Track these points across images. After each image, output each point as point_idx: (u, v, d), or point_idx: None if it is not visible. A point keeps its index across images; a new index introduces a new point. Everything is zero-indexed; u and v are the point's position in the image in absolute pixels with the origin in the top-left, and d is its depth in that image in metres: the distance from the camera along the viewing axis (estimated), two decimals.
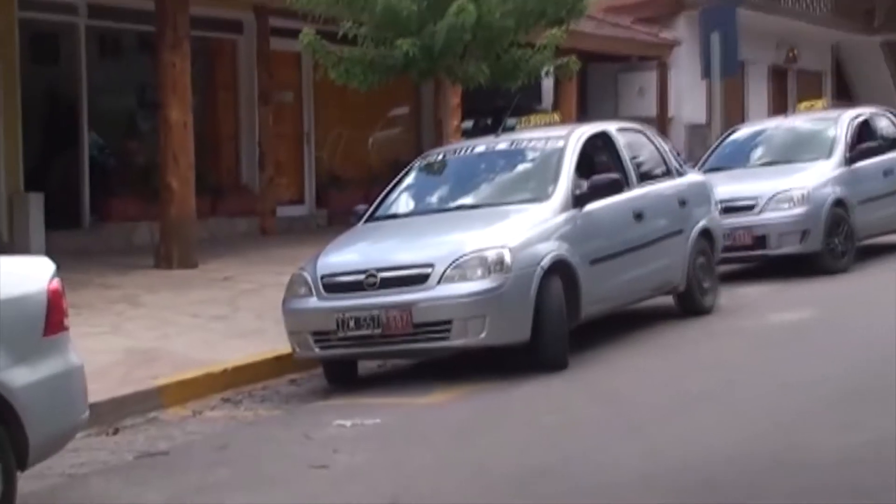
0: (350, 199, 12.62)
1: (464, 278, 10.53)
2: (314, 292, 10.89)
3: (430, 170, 13.12)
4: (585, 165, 12.28)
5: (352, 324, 10.56)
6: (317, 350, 10.90)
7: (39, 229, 17.24)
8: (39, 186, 17.72)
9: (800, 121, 19.15)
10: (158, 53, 17.22)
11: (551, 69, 17.75)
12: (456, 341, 10.53)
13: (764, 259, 16.68)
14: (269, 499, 7.80)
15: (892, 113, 20.00)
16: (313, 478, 8.21)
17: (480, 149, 13.02)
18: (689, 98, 29.05)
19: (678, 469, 7.65)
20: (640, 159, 13.33)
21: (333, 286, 10.88)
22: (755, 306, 14.33)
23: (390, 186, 12.90)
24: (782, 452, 7.92)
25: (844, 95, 37.24)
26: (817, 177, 16.82)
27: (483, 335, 10.45)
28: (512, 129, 13.74)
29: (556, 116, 13.92)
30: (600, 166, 12.58)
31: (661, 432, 8.67)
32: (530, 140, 12.74)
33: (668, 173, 13.69)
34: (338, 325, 10.62)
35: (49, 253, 15.20)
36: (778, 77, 35.28)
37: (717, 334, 12.60)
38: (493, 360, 11.02)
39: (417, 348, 10.82)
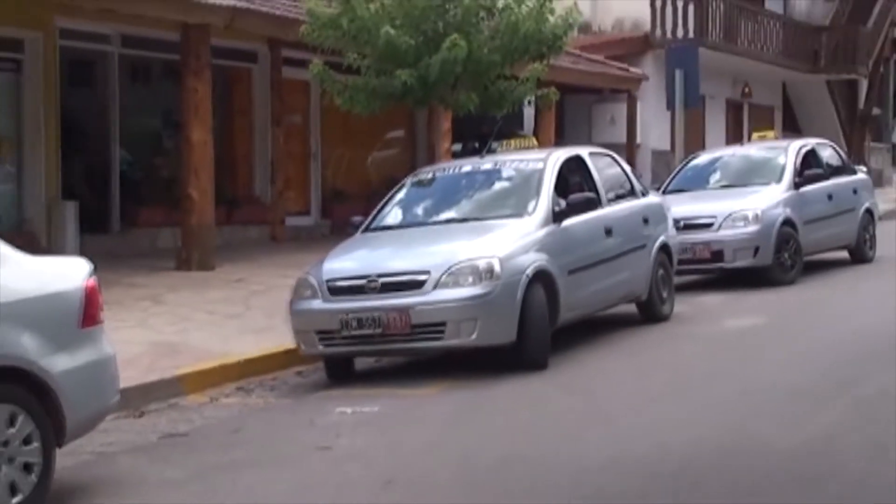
0: (351, 210, 12.57)
1: (457, 284, 10.47)
2: (319, 295, 10.76)
3: (421, 186, 12.99)
4: (562, 185, 12.22)
5: (354, 324, 10.47)
6: (321, 347, 10.80)
7: (74, 234, 17.20)
8: (75, 196, 17.71)
9: (753, 149, 19.31)
10: (182, 80, 17.21)
11: (533, 99, 17.83)
12: (449, 341, 10.48)
13: (720, 271, 16.68)
14: (278, 475, 7.79)
15: (834, 144, 20.20)
16: (317, 458, 8.23)
17: (467, 168, 12.92)
18: (655, 127, 29.13)
19: (644, 456, 7.66)
20: (609, 180, 13.26)
21: (337, 289, 10.75)
22: (712, 313, 14.34)
23: (385, 200, 12.78)
24: (736, 443, 7.95)
25: (793, 128, 37.37)
26: (768, 199, 16.88)
27: (474, 336, 10.39)
28: (494, 151, 13.49)
29: (534, 141, 13.89)
30: (574, 186, 12.53)
31: (628, 424, 8.69)
32: (512, 161, 12.67)
33: (632, 193, 13.66)
34: (342, 325, 10.51)
35: (82, 255, 15.32)
36: (734, 110, 35.40)
37: (678, 338, 12.60)
38: (479, 360, 10.96)
39: (414, 347, 10.74)
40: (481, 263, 10.57)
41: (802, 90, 39.11)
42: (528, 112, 25.53)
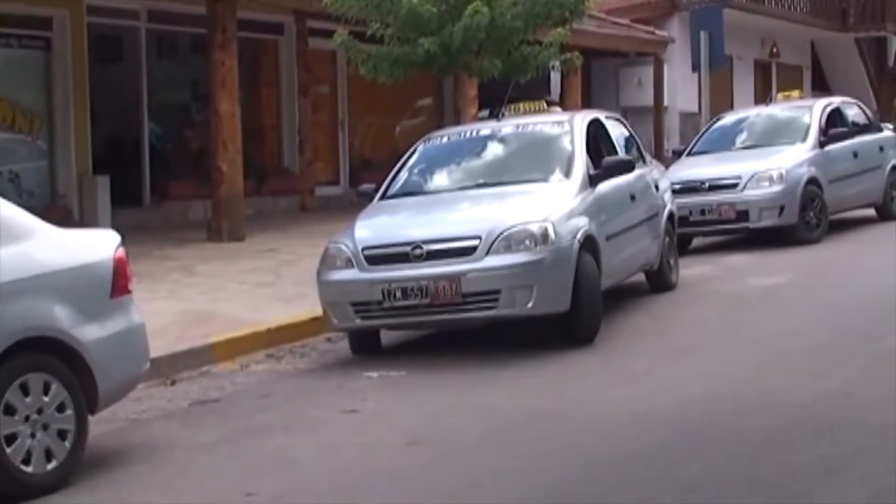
0: (380, 179, 12.38)
1: (509, 250, 9.88)
2: (355, 264, 10.16)
3: (436, 151, 12.36)
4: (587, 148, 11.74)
5: (398, 294, 9.86)
6: (358, 321, 10.20)
7: (106, 207, 17.40)
8: (106, 170, 17.88)
9: (778, 109, 19.20)
10: (209, 53, 17.34)
11: (557, 64, 17.85)
12: (504, 310, 9.85)
13: (746, 231, 16.71)
14: (306, 438, 7.93)
15: (859, 103, 20.17)
16: (344, 420, 8.37)
17: (485, 132, 12.31)
18: (682, 89, 29.02)
19: (667, 412, 7.80)
20: (623, 145, 12.99)
21: (376, 258, 10.15)
22: (737, 272, 14.39)
23: (398, 167, 12.14)
24: (756, 396, 8.08)
25: (822, 87, 37.15)
26: (793, 158, 16.86)
27: (530, 305, 9.80)
28: (503, 115, 12.77)
29: (544, 105, 13.10)
30: (594, 150, 11.96)
31: (652, 382, 8.82)
32: (534, 124, 12.26)
33: (641, 160, 13.29)
34: (383, 296, 9.92)
35: (114, 229, 15.49)
36: (762, 70, 35.22)
37: (703, 297, 12.72)
38: (506, 332, 10.80)
39: (465, 318, 10.04)
40: (535, 228, 10.00)
41: (831, 49, 38.84)
42: (555, 77, 25.50)
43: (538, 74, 17.19)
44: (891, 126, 21.07)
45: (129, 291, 7.76)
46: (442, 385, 9.40)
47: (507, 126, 12.26)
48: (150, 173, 19.39)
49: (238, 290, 13.45)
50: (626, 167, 11.83)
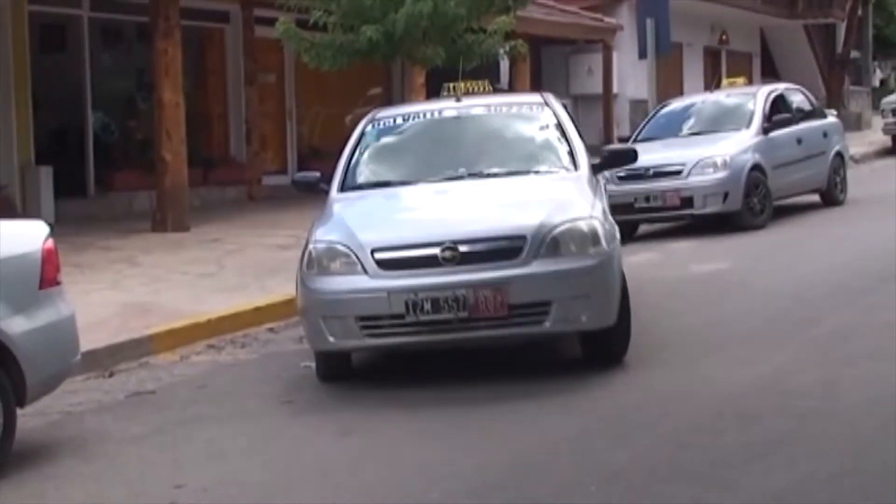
0: (328, 169, 12.19)
1: (558, 253, 8.29)
2: (363, 269, 8.34)
3: (397, 135, 10.48)
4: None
5: (427, 306, 8.08)
6: (367, 339, 8.42)
7: (49, 198, 17.31)
8: (49, 160, 17.76)
9: (724, 95, 19.34)
10: (152, 41, 17.26)
11: (503, 53, 17.86)
12: (556, 326, 8.23)
13: (691, 218, 16.80)
14: (239, 428, 7.89)
15: (803, 89, 20.31)
16: (279, 411, 8.33)
17: (450, 113, 10.41)
18: (632, 76, 29.09)
19: (596, 397, 7.83)
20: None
21: (393, 262, 8.34)
22: (680, 258, 14.49)
23: (351, 151, 10.18)
24: (686, 382, 8.14)
25: (772, 73, 37.41)
26: (737, 145, 17.00)
27: (584, 318, 8.23)
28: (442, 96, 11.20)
29: (488, 85, 11.32)
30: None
31: (581, 368, 8.80)
32: (510, 105, 10.72)
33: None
34: (408, 309, 8.11)
35: (58, 220, 15.45)
36: (712, 57, 35.42)
37: (646, 282, 12.63)
38: None
39: (509, 334, 8.35)
40: (584, 226, 8.46)
41: (780, 35, 39.11)
42: (504, 65, 25.55)
43: (484, 62, 17.20)
44: (834, 112, 21.21)
45: (58, 283, 7.68)
46: (382, 372, 9.34)
47: (475, 107, 10.48)
48: (95, 164, 19.30)
49: (180, 280, 13.38)
50: (630, 157, 10.54)
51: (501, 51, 17.50)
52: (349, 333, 8.37)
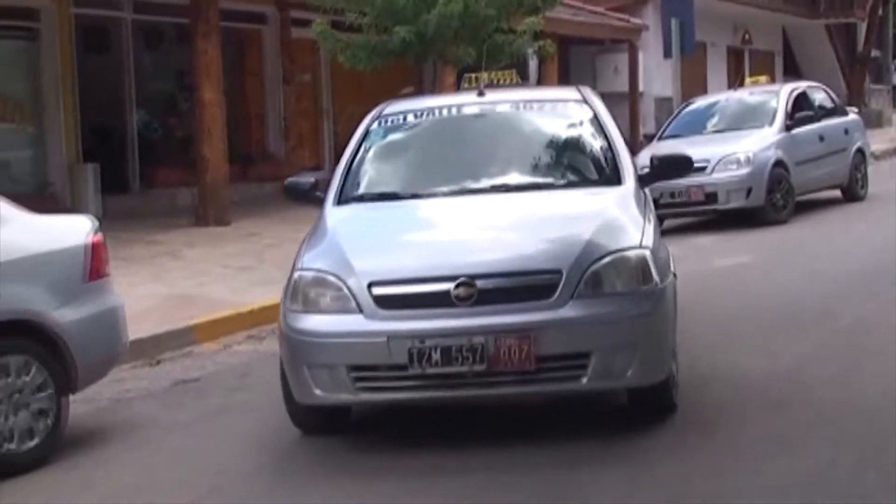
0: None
1: (601, 292, 6.45)
2: (358, 306, 6.48)
3: (406, 136, 8.32)
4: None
5: (437, 356, 6.25)
6: (361, 394, 6.56)
7: (95, 195, 17.37)
8: (95, 158, 17.85)
9: (747, 94, 19.31)
10: (193, 43, 17.34)
11: (532, 52, 17.87)
12: (594, 382, 6.40)
13: (715, 213, 16.77)
14: (279, 417, 7.92)
15: (825, 87, 20.25)
16: None
17: (472, 110, 8.25)
18: (657, 75, 29.03)
19: None
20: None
21: (396, 300, 6.47)
22: (704, 252, 14.40)
23: (351, 155, 8.01)
24: (708, 371, 8.08)
25: (794, 72, 37.25)
26: (760, 142, 16.98)
27: (630, 373, 6.41)
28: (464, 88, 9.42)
29: (515, 75, 9.47)
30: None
31: None
32: (542, 102, 8.64)
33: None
34: (412, 359, 6.28)
35: (103, 215, 15.53)
36: (735, 56, 35.31)
37: (687, 276, 12.66)
38: None
39: (536, 391, 6.56)
40: (633, 258, 6.59)
41: (802, 35, 38.92)
42: (533, 64, 25.53)
43: (513, 62, 17.22)
44: (855, 110, 21.13)
45: (106, 275, 7.74)
46: None
47: (501, 103, 8.40)
48: (139, 161, 19.38)
49: (222, 273, 13.45)
50: (685, 166, 8.44)
51: (530, 50, 17.51)
52: (340, 386, 6.48)
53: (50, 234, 7.47)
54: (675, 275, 7.03)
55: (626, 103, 28.70)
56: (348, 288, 6.52)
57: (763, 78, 21.53)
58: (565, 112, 8.31)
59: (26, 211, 7.49)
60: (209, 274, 13.42)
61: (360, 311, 6.48)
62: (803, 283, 11.45)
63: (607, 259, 6.48)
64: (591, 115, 8.07)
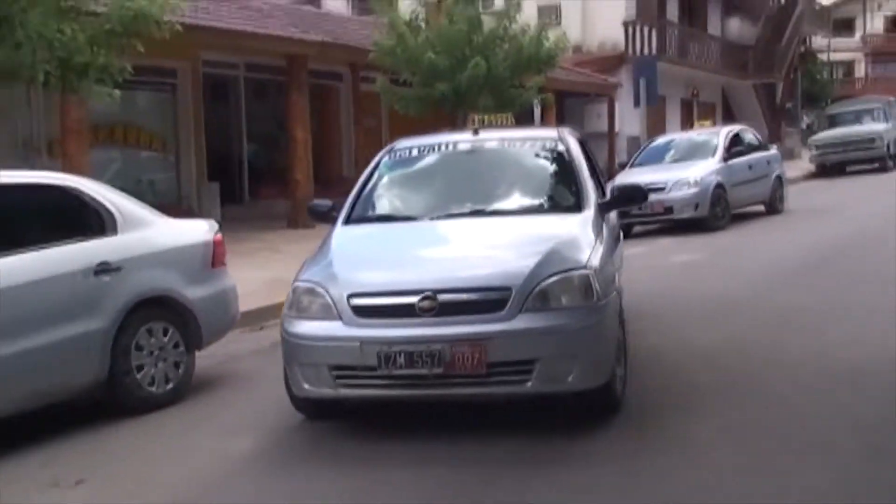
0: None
1: (548, 306, 5.56)
2: (338, 315, 5.70)
3: (409, 166, 7.43)
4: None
5: (402, 360, 5.50)
6: (341, 390, 5.74)
7: (216, 205, 17.39)
8: (216, 178, 17.87)
9: (695, 133, 19.20)
10: (288, 94, 17.36)
11: (537, 101, 17.80)
12: (539, 386, 5.51)
13: (671, 222, 16.61)
14: None
15: (753, 130, 20.08)
16: None
17: (464, 146, 7.40)
18: (629, 119, 28.87)
19: None
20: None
21: (369, 310, 5.65)
22: (665, 251, 14.25)
23: (363, 181, 7.33)
24: (669, 342, 7.90)
25: (730, 118, 36.92)
26: (705, 169, 16.78)
27: (571, 378, 5.52)
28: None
29: (511, 118, 7.83)
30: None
31: None
32: (523, 141, 7.51)
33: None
34: (380, 361, 5.52)
35: (222, 220, 15.47)
36: (686, 106, 35.03)
37: (637, 270, 12.46)
38: None
39: (487, 392, 5.64)
40: (577, 277, 5.67)
41: (736, 90, 38.64)
42: (537, 112, 25.44)
43: (523, 110, 17.14)
44: (775, 146, 20.91)
45: (223, 264, 7.71)
46: None
47: (490, 141, 7.54)
48: (248, 181, 19.38)
49: None
50: (639, 196, 7.27)
51: (535, 101, 17.49)
52: (324, 382, 5.77)
53: (184, 233, 7.43)
54: (618, 291, 6.04)
55: (605, 140, 28.55)
56: (332, 298, 5.72)
57: (707, 122, 21.46)
58: (542, 149, 7.36)
59: (166, 217, 7.46)
60: (299, 263, 13.26)
61: (340, 318, 5.66)
62: (738, 275, 11.28)
63: (554, 278, 5.60)
64: (563, 151, 7.18)
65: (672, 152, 18.31)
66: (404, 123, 22.25)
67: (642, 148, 19.32)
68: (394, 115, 21.36)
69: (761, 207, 18.42)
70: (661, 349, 7.61)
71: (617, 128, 29.03)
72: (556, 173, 7.16)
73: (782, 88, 40.49)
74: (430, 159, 7.40)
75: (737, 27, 39.42)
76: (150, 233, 7.08)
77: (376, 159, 7.52)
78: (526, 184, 7.10)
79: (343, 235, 6.74)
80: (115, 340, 6.57)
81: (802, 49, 43.69)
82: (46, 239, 6.42)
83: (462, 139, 7.49)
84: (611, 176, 15.81)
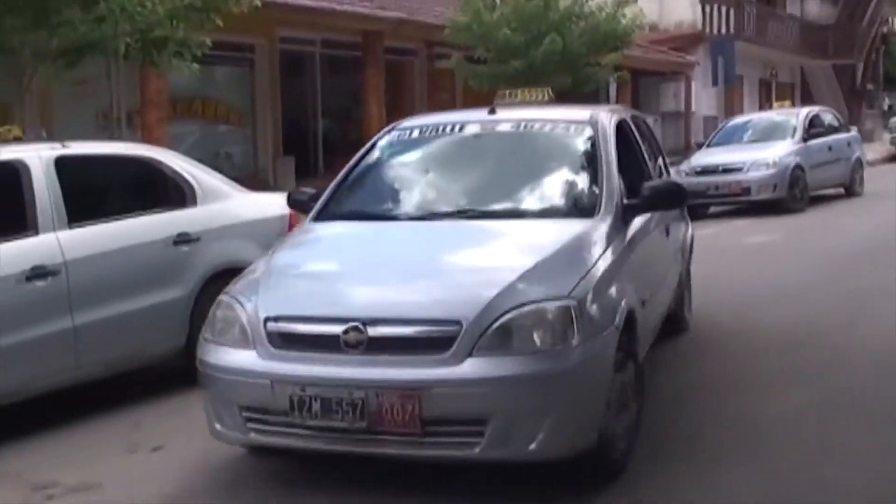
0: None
1: (508, 348, 4.07)
2: (252, 342, 4.37)
3: (407, 151, 5.92)
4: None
5: (316, 406, 4.15)
6: (251, 434, 4.40)
7: (291, 178, 17.47)
8: (292, 152, 17.99)
9: (774, 114, 18.85)
10: (363, 70, 17.42)
11: (612, 80, 17.60)
12: (490, 451, 4.05)
13: (748, 203, 16.32)
14: None
15: (833, 111, 19.67)
16: None
17: (474, 129, 5.87)
18: (705, 99, 28.48)
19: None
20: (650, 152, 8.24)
21: (287, 338, 4.31)
22: (742, 231, 14.02)
23: (348, 170, 5.82)
24: (744, 322, 7.77)
25: (808, 100, 36.22)
26: (783, 150, 16.48)
27: (535, 445, 4.04)
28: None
29: (549, 93, 6.53)
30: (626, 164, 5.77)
31: None
32: (543, 124, 5.72)
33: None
34: (292, 407, 4.20)
35: None
36: (765, 86, 34.43)
37: (713, 250, 12.21)
38: None
39: (422, 455, 4.18)
40: (552, 311, 4.14)
41: (815, 72, 37.87)
42: (612, 89, 25.16)
43: (599, 87, 16.97)
44: (855, 128, 20.46)
45: None
46: None
47: (505, 122, 5.84)
48: (322, 154, 19.49)
49: None
50: (678, 197, 5.52)
51: (611, 79, 17.28)
52: (234, 424, 4.40)
53: (260, 206, 7.47)
54: (617, 327, 4.29)
55: (682, 120, 28.18)
56: (248, 320, 4.36)
57: (786, 103, 20.95)
58: (565, 135, 5.58)
59: (244, 190, 7.52)
60: None
61: (255, 347, 4.29)
62: (816, 257, 11.07)
63: (522, 310, 4.05)
64: (591, 139, 5.43)
65: (750, 132, 17.97)
66: (477, 99, 22.25)
67: (719, 128, 19.05)
68: (467, 91, 21.32)
69: (839, 190, 18.03)
70: (734, 329, 7.49)
71: (693, 107, 28.62)
72: (574, 166, 5.44)
73: (862, 70, 39.55)
74: (430, 143, 5.84)
75: (816, 7, 38.58)
76: (228, 205, 7.13)
77: (371, 141, 6.08)
78: (534, 178, 5.36)
79: (299, 236, 5.35)
80: (193, 309, 6.61)
81: (885, 30, 42.54)
82: (130, 208, 6.50)
83: (475, 118, 5.94)
84: (687, 155, 15.59)
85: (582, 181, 5.30)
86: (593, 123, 5.62)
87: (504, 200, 5.17)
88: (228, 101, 17.49)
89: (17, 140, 6.42)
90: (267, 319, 4.32)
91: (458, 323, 4.04)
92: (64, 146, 6.28)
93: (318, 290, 4.61)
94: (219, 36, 10.29)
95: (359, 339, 4.11)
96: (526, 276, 4.29)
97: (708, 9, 29.22)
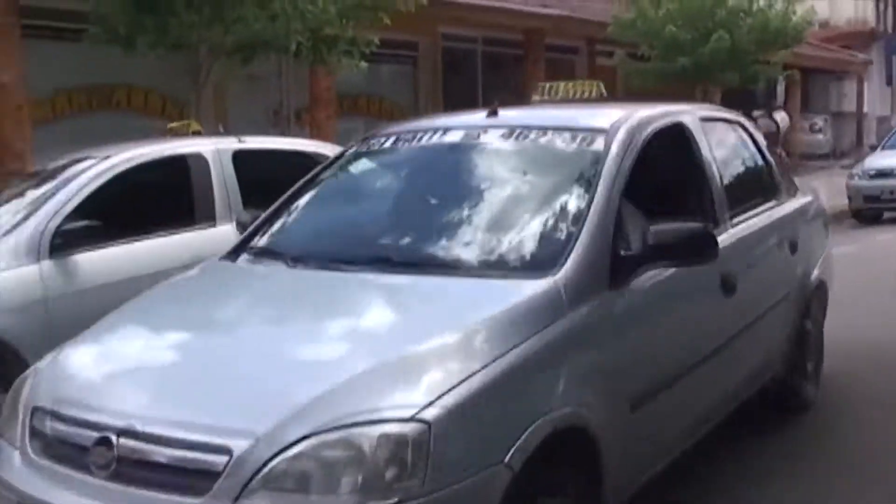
0: None
1: (300, 490, 2.51)
2: (18, 441, 3.04)
3: (367, 169, 4.49)
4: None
5: None
6: None
7: None
8: None
9: None
10: (524, 67, 17.44)
11: (781, 78, 17.08)
12: None
13: None
14: None
15: None
16: None
17: (453, 139, 4.15)
18: (878, 99, 27.33)
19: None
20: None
21: (46, 443, 2.96)
22: None
23: (298, 190, 4.42)
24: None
25: None
26: None
27: None
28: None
29: (599, 87, 5.34)
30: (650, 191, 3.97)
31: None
32: (544, 131, 4.00)
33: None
34: None
35: None
36: None
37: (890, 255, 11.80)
38: None
39: None
40: (378, 435, 2.56)
41: None
42: (780, 89, 24.42)
43: (766, 87, 16.50)
44: None
45: None
46: None
47: (496, 129, 4.13)
48: None
49: None
50: (695, 250, 3.53)
51: (780, 77, 16.76)
52: None
53: None
54: (509, 465, 2.72)
55: (853, 121, 27.14)
56: (25, 405, 3.16)
57: None
58: (565, 149, 3.92)
59: None
60: None
61: (20, 446, 3.08)
62: None
63: (331, 436, 2.59)
64: (595, 157, 3.77)
65: None
66: (640, 97, 21.92)
67: (895, 129, 18.16)
68: (630, 89, 21.08)
69: None
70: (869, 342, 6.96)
71: (865, 107, 27.50)
72: (558, 195, 3.70)
73: None
74: (393, 157, 4.41)
75: None
76: None
77: (343, 149, 4.76)
78: (496, 212, 3.75)
79: (184, 279, 3.92)
80: None
81: None
82: None
83: (465, 124, 4.36)
84: (859, 157, 14.95)
85: (559, 219, 3.55)
86: (610, 136, 3.87)
87: (441, 245, 3.57)
88: (392, 98, 17.77)
89: (196, 135, 6.67)
90: (35, 409, 3.08)
91: (226, 452, 2.61)
92: (240, 141, 6.48)
93: (100, 372, 3.19)
94: (384, 34, 10.46)
95: (107, 459, 2.77)
96: (367, 376, 2.74)
97: (881, 5, 28.02)
